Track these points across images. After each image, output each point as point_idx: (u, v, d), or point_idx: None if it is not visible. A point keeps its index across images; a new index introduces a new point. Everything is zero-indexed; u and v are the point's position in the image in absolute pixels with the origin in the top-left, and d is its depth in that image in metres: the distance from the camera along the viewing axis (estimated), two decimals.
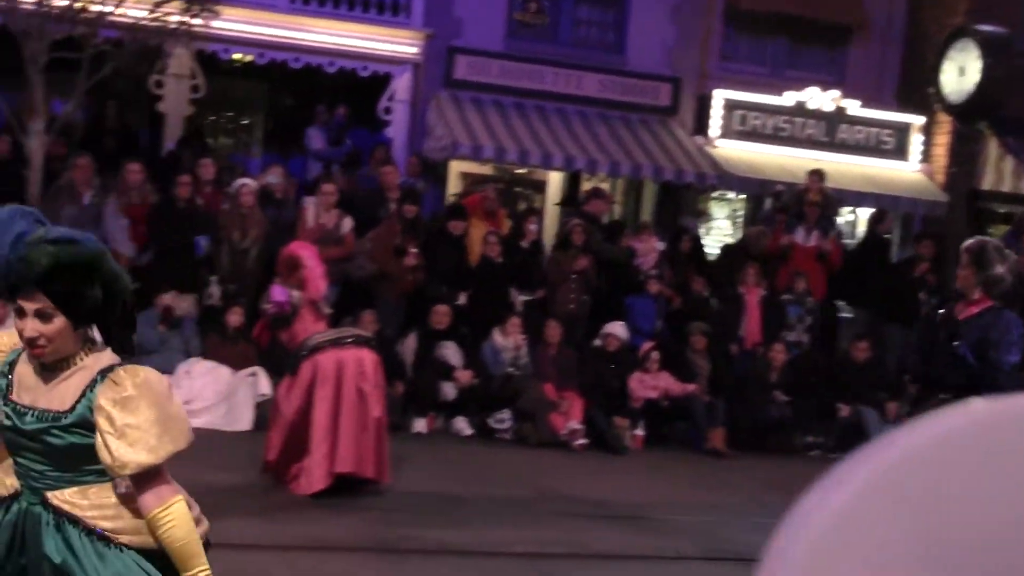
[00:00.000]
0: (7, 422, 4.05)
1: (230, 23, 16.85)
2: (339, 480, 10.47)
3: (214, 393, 13.46)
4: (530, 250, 15.90)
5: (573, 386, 14.54)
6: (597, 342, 15.07)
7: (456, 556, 9.29)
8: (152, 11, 14.98)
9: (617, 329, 14.98)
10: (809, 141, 21.12)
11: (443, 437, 14.02)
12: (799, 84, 21.23)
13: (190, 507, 4.14)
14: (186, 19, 15.08)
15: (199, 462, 11.25)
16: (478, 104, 19.73)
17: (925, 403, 8.42)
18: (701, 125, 20.93)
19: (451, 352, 14.45)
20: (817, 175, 17.75)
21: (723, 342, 15.78)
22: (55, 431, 3.96)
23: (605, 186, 20.01)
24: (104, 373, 3.99)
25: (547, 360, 14.65)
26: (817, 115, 21.19)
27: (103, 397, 3.92)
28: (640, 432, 14.63)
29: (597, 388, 14.58)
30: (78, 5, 14.27)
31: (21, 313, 3.88)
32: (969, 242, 8.38)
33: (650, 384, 14.78)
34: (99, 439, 3.91)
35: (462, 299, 15.18)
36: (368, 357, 10.81)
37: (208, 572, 4.13)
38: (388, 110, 19.49)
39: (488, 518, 10.43)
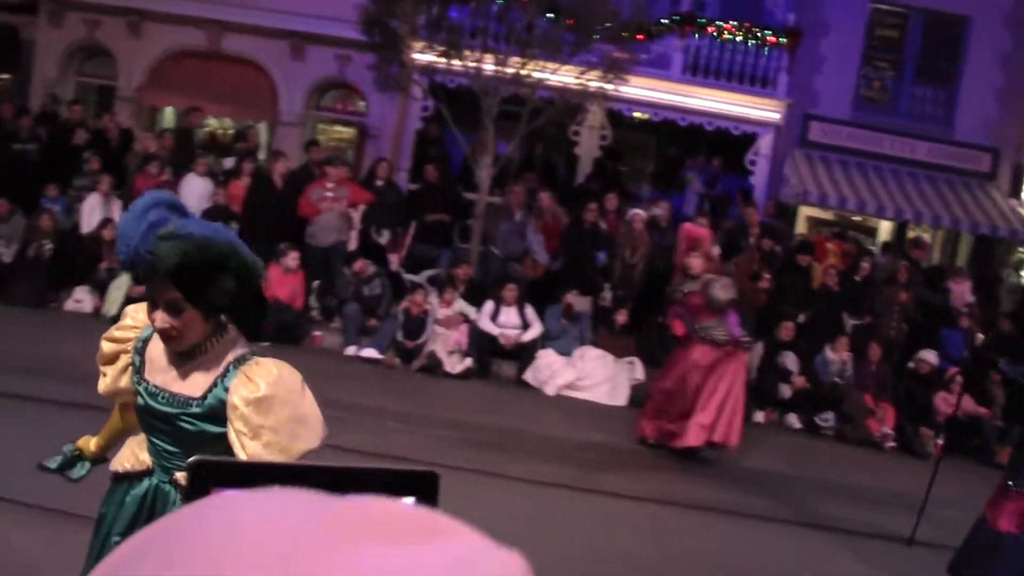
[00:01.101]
0: (140, 401, 3.49)
1: (634, 88, 17.21)
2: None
3: (601, 375, 13.85)
4: (862, 283, 15.68)
5: (887, 398, 14.30)
6: (911, 364, 14.75)
7: (779, 524, 9.38)
8: (577, 77, 15.53)
9: (930, 356, 14.61)
10: None
11: (776, 428, 14.02)
12: None
13: None
14: (602, 85, 15.57)
15: (587, 428, 11.81)
16: (826, 162, 19.55)
17: None
18: (1016, 189, 20.09)
19: (790, 360, 14.45)
20: None
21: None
22: (185, 417, 3.39)
23: (927, 236, 19.51)
24: (236, 363, 3.39)
25: (868, 374, 14.45)
26: None
27: (237, 395, 3.29)
28: (940, 442, 14.26)
29: (908, 401, 14.29)
30: (523, 72, 14.96)
31: (153, 304, 3.27)
32: None
33: (952, 403, 14.38)
34: (233, 436, 3.29)
35: (802, 318, 15.13)
36: (737, 354, 11.12)
37: None
38: (753, 162, 19.50)
39: (808, 496, 10.47)
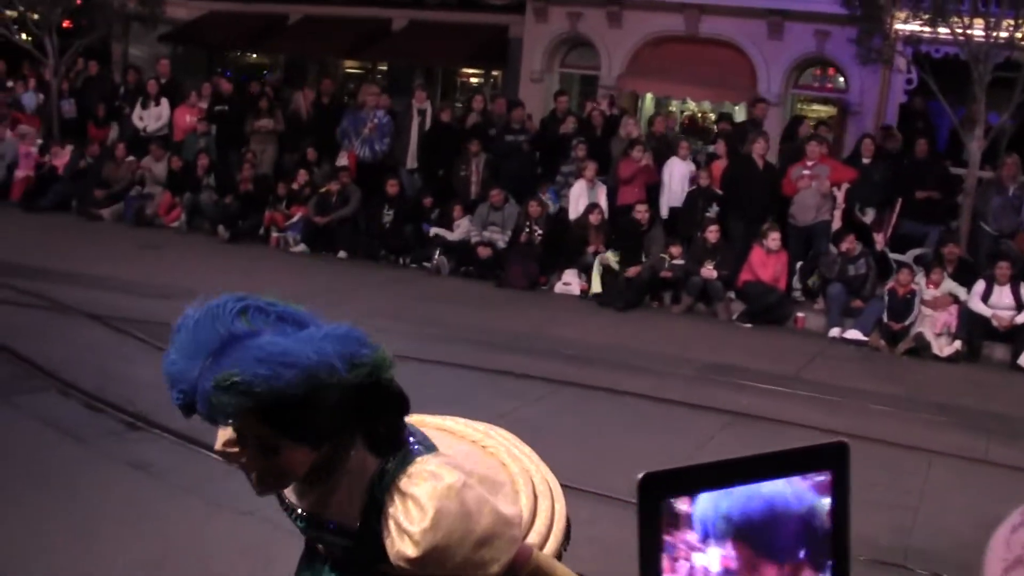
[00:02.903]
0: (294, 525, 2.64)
1: None
2: None
3: None
4: None
5: None
6: None
7: None
8: None
9: None
10: None
11: None
12: None
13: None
14: None
15: None
16: None
17: None
18: None
19: None
20: None
21: None
22: (348, 551, 2.56)
23: None
24: (380, 487, 2.42)
25: None
26: None
27: (394, 554, 2.39)
28: None
29: None
30: (1018, 35, 14.38)
31: (241, 438, 2.32)
32: None
33: None
34: None
35: None
36: None
37: None
38: None
39: None
